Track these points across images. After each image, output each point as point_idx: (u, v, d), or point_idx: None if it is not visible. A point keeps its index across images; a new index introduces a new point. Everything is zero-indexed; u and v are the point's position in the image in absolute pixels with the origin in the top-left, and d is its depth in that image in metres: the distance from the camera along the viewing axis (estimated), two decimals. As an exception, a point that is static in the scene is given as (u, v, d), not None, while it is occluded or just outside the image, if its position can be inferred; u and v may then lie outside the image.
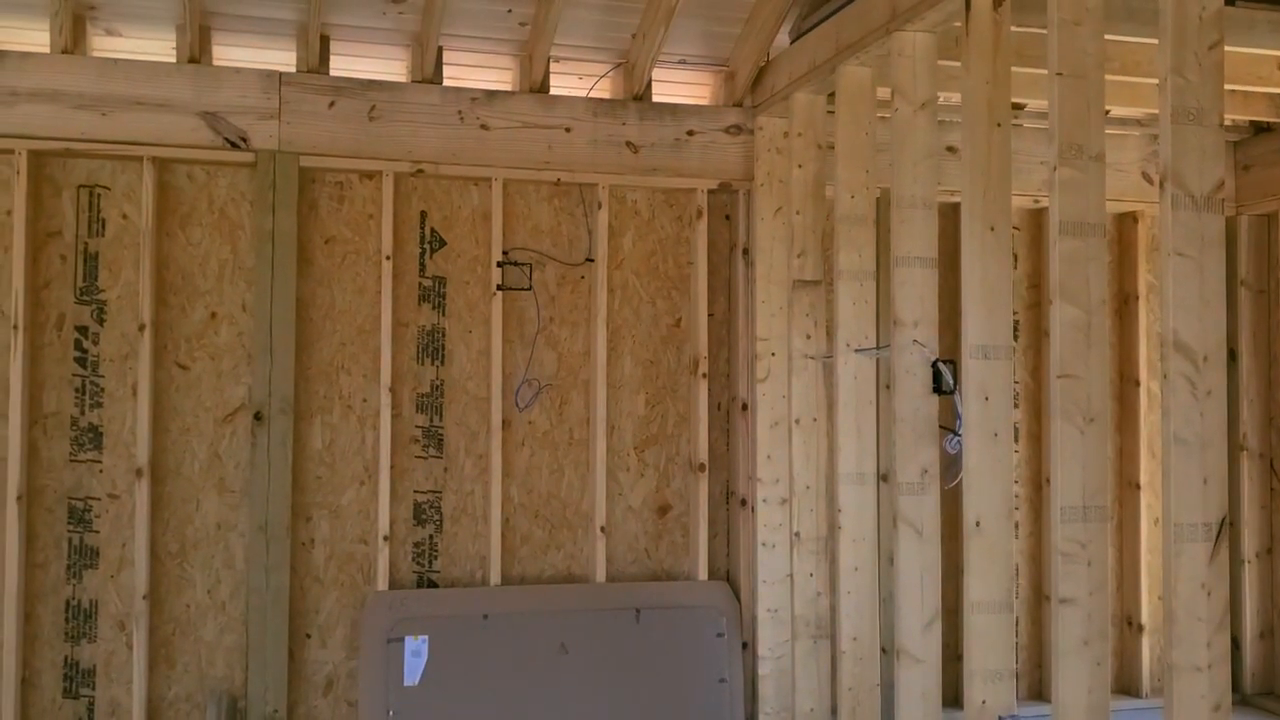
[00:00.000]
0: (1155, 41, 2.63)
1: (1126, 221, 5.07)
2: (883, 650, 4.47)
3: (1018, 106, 4.73)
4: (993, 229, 3.10)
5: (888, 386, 4.52)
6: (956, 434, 3.48)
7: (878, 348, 3.81)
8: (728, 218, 4.68)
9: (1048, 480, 4.78)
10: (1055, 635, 2.71)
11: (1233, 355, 5.07)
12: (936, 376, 3.45)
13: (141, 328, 4.03)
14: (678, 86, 4.67)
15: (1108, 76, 4.03)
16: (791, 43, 4.29)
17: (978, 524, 3.06)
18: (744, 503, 4.54)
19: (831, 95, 4.23)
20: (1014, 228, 4.99)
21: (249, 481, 4.15)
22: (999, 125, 3.11)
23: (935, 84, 3.47)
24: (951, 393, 3.43)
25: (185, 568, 4.14)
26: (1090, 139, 2.74)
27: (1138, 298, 5.01)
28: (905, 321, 3.44)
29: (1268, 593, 5.04)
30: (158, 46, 4.17)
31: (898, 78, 3.45)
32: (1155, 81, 4.21)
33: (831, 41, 3.87)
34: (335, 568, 4.28)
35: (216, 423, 4.18)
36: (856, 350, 3.82)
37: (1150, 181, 5.00)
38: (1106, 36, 3.83)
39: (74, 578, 4.04)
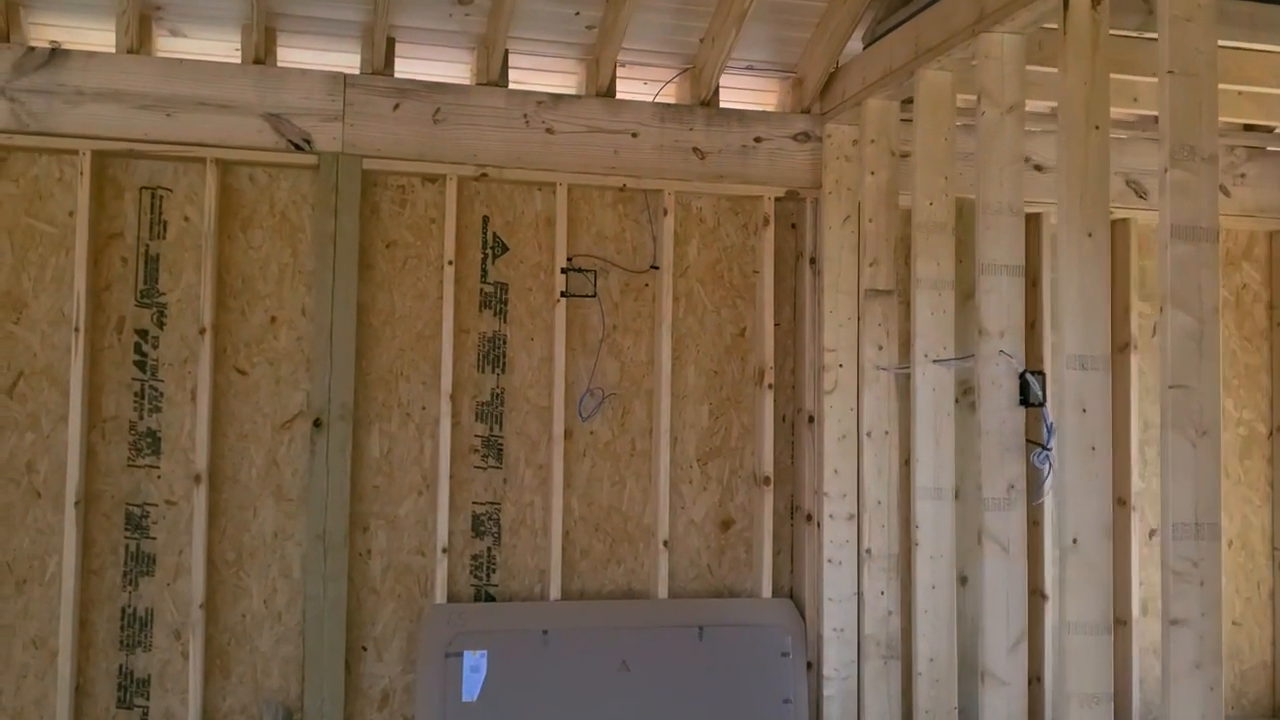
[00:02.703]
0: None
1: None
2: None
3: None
4: (1090, 235, 2.98)
5: (956, 400, 4.43)
6: (1045, 448, 3.37)
7: (957, 358, 3.69)
8: (793, 226, 4.58)
9: (1119, 498, 4.67)
10: (1166, 658, 2.59)
11: (1310, 373, 4.93)
12: (1024, 388, 3.34)
13: (202, 331, 3.96)
14: (742, 93, 4.58)
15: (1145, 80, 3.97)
16: (865, 48, 4.19)
17: (1075, 541, 2.94)
18: (809, 518, 4.42)
19: (906, 101, 4.16)
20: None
21: (306, 489, 4.07)
22: (1097, 128, 2.99)
23: (1023, 87, 3.37)
24: (1041, 405, 3.32)
25: (241, 576, 4.06)
26: (1202, 140, 2.63)
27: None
28: (991, 331, 3.33)
29: (1346, 618, 4.88)
30: (221, 48, 4.12)
31: (984, 81, 3.35)
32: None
33: (910, 45, 3.77)
34: (392, 579, 4.19)
35: (274, 429, 4.10)
36: (935, 361, 3.71)
37: (1227, 194, 4.87)
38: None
39: (130, 585, 3.97)
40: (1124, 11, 3.33)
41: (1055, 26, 3.41)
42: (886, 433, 4.11)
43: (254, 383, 4.09)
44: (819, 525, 4.36)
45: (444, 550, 4.14)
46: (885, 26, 4.02)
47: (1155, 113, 4.26)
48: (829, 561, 4.31)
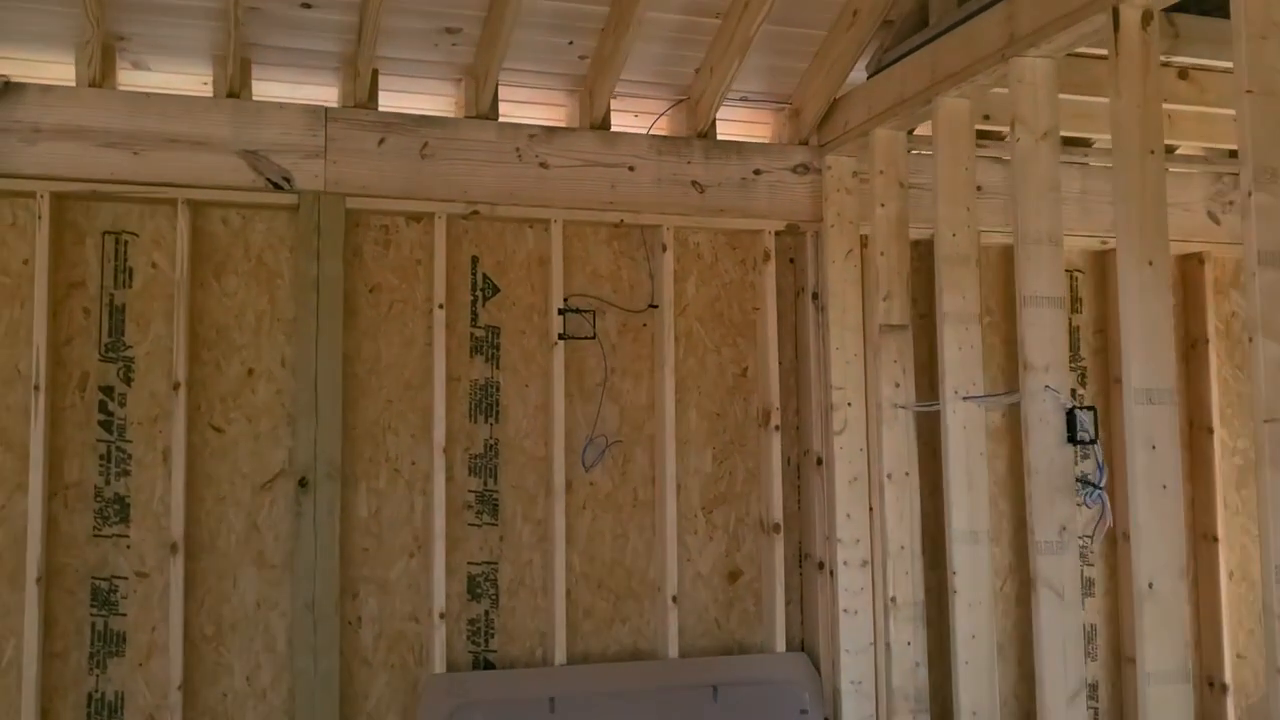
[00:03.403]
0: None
1: (1192, 263, 4.89)
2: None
3: (1082, 142, 4.56)
4: (1151, 263, 2.85)
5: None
6: (1098, 487, 3.23)
7: (996, 395, 3.54)
8: (792, 261, 4.41)
9: (1124, 535, 4.56)
10: (1274, 708, 2.43)
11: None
12: (1070, 424, 3.19)
13: (176, 386, 3.64)
14: (734, 125, 4.41)
15: (1168, 107, 3.91)
16: (869, 77, 4.06)
17: (1150, 586, 2.79)
18: (821, 566, 4.22)
19: (911, 132, 4.04)
20: (1077, 270, 4.80)
21: (291, 555, 3.76)
22: (1152, 153, 2.88)
23: (1056, 113, 3.25)
24: (1092, 442, 3.17)
25: (222, 652, 3.72)
26: (1283, 162, 2.52)
27: (1207, 341, 4.82)
28: (1036, 365, 3.19)
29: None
30: (188, 81, 3.83)
31: (1018, 106, 3.22)
32: (1227, 113, 4.09)
33: (927, 72, 3.64)
34: (385, 648, 3.88)
35: (254, 490, 3.78)
36: (965, 398, 3.56)
37: (1217, 221, 4.83)
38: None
39: (98, 667, 3.60)
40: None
41: (1086, 51, 3.34)
42: (907, 474, 3.94)
43: (231, 441, 3.78)
44: (832, 573, 4.17)
45: (441, 615, 3.84)
46: (894, 55, 3.90)
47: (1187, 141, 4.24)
48: (845, 611, 4.12)
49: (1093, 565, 4.67)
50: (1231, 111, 3.90)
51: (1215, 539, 4.73)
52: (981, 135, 4.42)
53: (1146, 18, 2.89)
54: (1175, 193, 4.72)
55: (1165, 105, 3.78)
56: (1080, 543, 3.21)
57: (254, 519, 3.78)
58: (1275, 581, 2.44)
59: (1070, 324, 4.75)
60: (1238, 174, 4.76)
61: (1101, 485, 3.19)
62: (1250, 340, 2.50)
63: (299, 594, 3.69)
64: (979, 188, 4.31)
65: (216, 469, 3.75)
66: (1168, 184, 4.67)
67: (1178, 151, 4.71)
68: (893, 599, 3.89)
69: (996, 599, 3.79)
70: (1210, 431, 4.78)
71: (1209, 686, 4.76)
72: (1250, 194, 2.50)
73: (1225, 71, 3.80)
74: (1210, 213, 4.82)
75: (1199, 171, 4.84)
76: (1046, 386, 3.18)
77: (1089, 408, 3.18)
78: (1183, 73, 3.85)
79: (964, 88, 3.52)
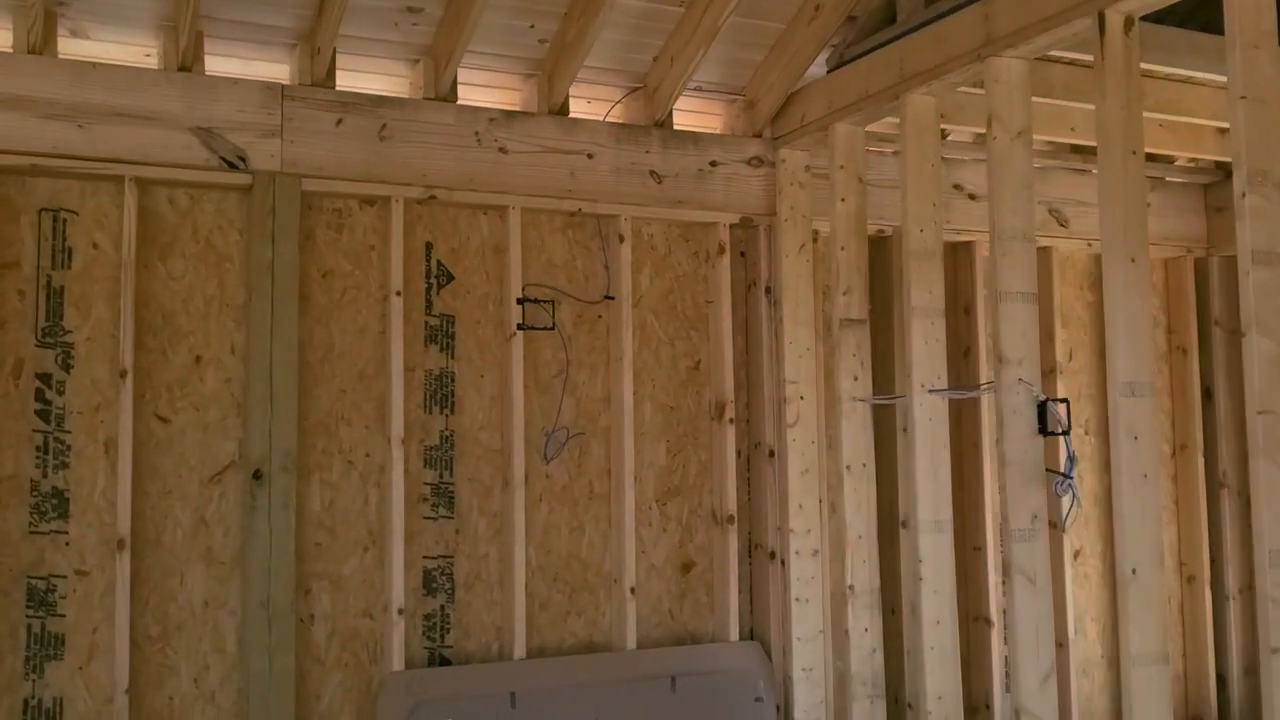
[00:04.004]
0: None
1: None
2: (908, 705, 4.28)
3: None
4: (1133, 261, 2.96)
5: (904, 430, 4.37)
6: (1067, 477, 3.33)
7: (963, 388, 3.62)
8: (743, 254, 4.43)
9: (1051, 523, 4.72)
10: (1268, 688, 2.55)
11: (1209, 394, 5.15)
12: (1041, 416, 3.28)
13: (123, 374, 3.44)
14: (685, 115, 4.39)
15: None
16: (829, 72, 4.10)
17: (1134, 572, 2.89)
18: (773, 555, 4.25)
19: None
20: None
21: (241, 551, 3.60)
22: (1134, 154, 2.98)
23: (1030, 112, 3.34)
24: (1063, 434, 3.27)
25: (168, 654, 3.54)
26: (1274, 165, 2.64)
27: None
28: (1010, 359, 3.27)
29: (1250, 629, 5.10)
30: (129, 52, 3.63)
31: (994, 105, 3.30)
32: (1166, 118, 4.27)
33: (894, 69, 3.69)
34: (338, 646, 3.75)
35: (202, 484, 3.61)
36: (931, 391, 3.63)
37: (1135, 222, 5.04)
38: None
39: (34, 672, 3.39)
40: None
41: (1058, 55, 3.44)
42: (864, 465, 4.00)
43: (178, 431, 3.59)
44: (783, 563, 4.20)
45: (400, 611, 3.74)
46: (857, 50, 3.94)
47: (1085, 141, 4.40)
48: (796, 600, 4.16)
49: (1020, 553, 4.82)
50: (1173, 117, 4.13)
51: None
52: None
53: (1129, 23, 2.98)
54: (1094, 194, 4.92)
55: (1079, 104, 3.95)
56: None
57: (202, 513, 3.60)
58: (1269, 566, 2.56)
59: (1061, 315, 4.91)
60: (1160, 177, 5.01)
61: (1071, 475, 3.29)
62: (1244, 336, 2.61)
63: (252, 591, 3.54)
64: (921, 184, 4.41)
65: (162, 461, 3.57)
66: (1094, 186, 4.87)
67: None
68: (851, 586, 3.95)
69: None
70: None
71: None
72: (1244, 195, 2.61)
73: (1170, 79, 3.97)
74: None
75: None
76: (1020, 380, 3.27)
77: (1062, 400, 3.28)
78: (1126, 78, 3.98)
79: (933, 85, 3.59)
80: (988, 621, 4.61)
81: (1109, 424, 2.98)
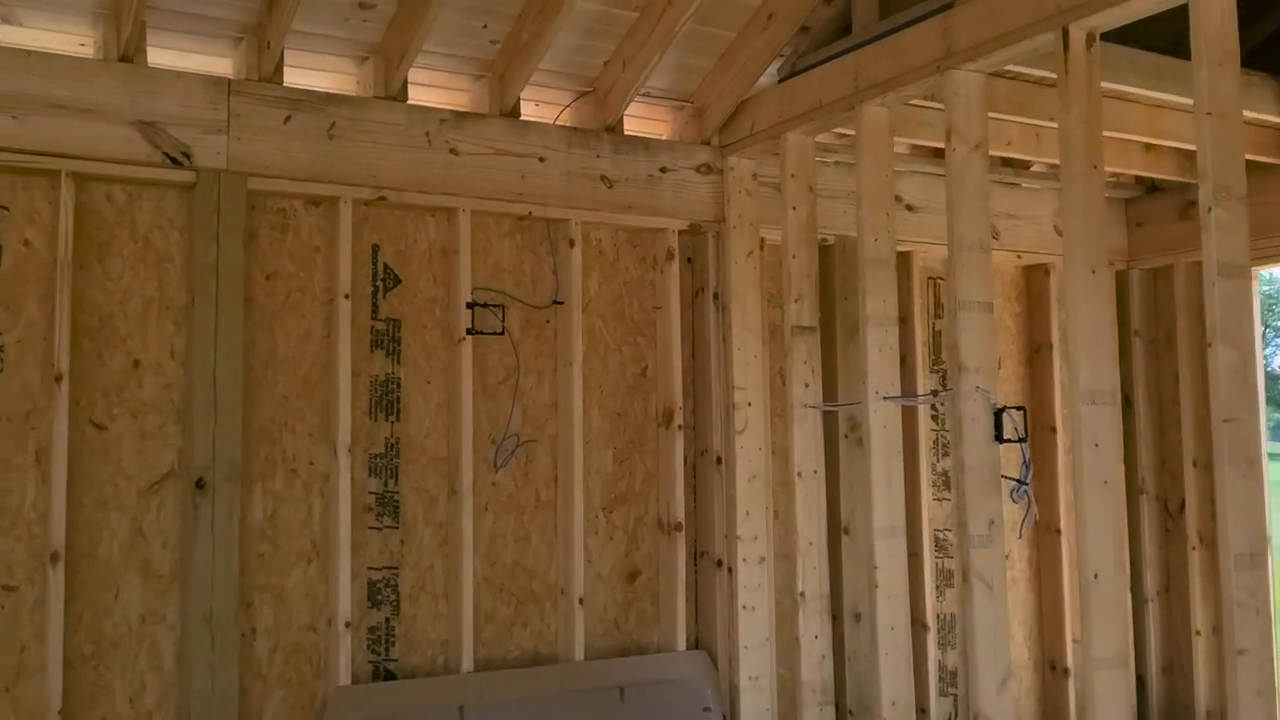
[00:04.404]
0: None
1: (1038, 273, 5.21)
2: (849, 712, 4.32)
3: (1019, 163, 4.80)
4: (1094, 272, 3.02)
5: (845, 436, 4.42)
6: (1024, 483, 3.39)
7: (921, 395, 3.66)
8: (689, 260, 4.42)
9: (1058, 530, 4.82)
10: (1233, 689, 2.62)
11: (1129, 402, 5.31)
12: (998, 424, 3.34)
13: (58, 379, 3.27)
14: (631, 121, 4.37)
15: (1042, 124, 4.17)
16: (780, 81, 4.12)
17: (1096, 576, 2.95)
18: (720, 563, 4.25)
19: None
20: (939, 278, 5.03)
21: (180, 563, 3.46)
22: (1095, 167, 3.05)
23: (986, 125, 3.39)
24: (1019, 441, 3.33)
25: (102, 672, 3.37)
26: (1236, 181, 2.72)
27: (1050, 347, 5.15)
28: (969, 367, 3.32)
29: (1168, 630, 5.27)
30: (61, 41, 3.46)
31: (953, 118, 3.35)
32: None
33: (849, 80, 3.72)
34: (280, 662, 3.63)
35: (140, 493, 3.46)
36: (886, 398, 3.66)
37: (1061, 235, 5.16)
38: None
39: (-41, 695, 3.20)
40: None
41: (1016, 70, 3.50)
42: (815, 471, 4.02)
43: (114, 439, 3.43)
44: (730, 570, 4.20)
45: (347, 624, 3.63)
46: (810, 60, 3.97)
47: (1021, 156, 4.51)
48: (744, 608, 4.16)
49: (952, 558, 4.90)
50: (1109, 132, 4.23)
51: (1058, 531, 5.05)
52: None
53: (1090, 39, 3.05)
54: (1028, 207, 5.05)
55: (1039, 123, 4.04)
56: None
57: (139, 524, 3.45)
58: (1235, 570, 2.63)
59: (932, 329, 4.97)
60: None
61: (1027, 481, 3.35)
62: (1209, 346, 2.69)
63: (193, 605, 3.40)
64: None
65: (98, 470, 3.40)
66: (1023, 200, 4.98)
67: (1030, 169, 5.00)
68: (802, 594, 3.97)
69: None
70: (1053, 431, 5.11)
71: (1051, 669, 5.09)
72: (1210, 210, 2.69)
73: (1104, 94, 4.06)
74: (1056, 227, 5.15)
75: (1046, 188, 5.16)
76: (978, 387, 3.32)
77: (1019, 408, 3.34)
78: (1066, 94, 4.08)
79: (888, 97, 3.62)
80: (924, 626, 4.67)
81: (1071, 431, 3.03)
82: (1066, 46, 3.03)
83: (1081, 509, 2.98)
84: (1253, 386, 2.71)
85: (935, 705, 4.70)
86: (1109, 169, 4.91)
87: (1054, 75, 3.70)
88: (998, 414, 3.33)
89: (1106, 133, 4.18)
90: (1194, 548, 5.08)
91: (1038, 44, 3.15)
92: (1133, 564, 5.29)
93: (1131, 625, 5.28)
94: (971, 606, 3.26)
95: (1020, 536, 3.52)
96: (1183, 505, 5.15)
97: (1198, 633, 5.05)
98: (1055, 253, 5.17)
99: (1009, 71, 3.83)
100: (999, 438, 3.34)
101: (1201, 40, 2.73)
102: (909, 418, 4.66)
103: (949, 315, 3.37)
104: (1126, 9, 2.93)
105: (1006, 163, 4.92)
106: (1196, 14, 2.74)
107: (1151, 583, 5.26)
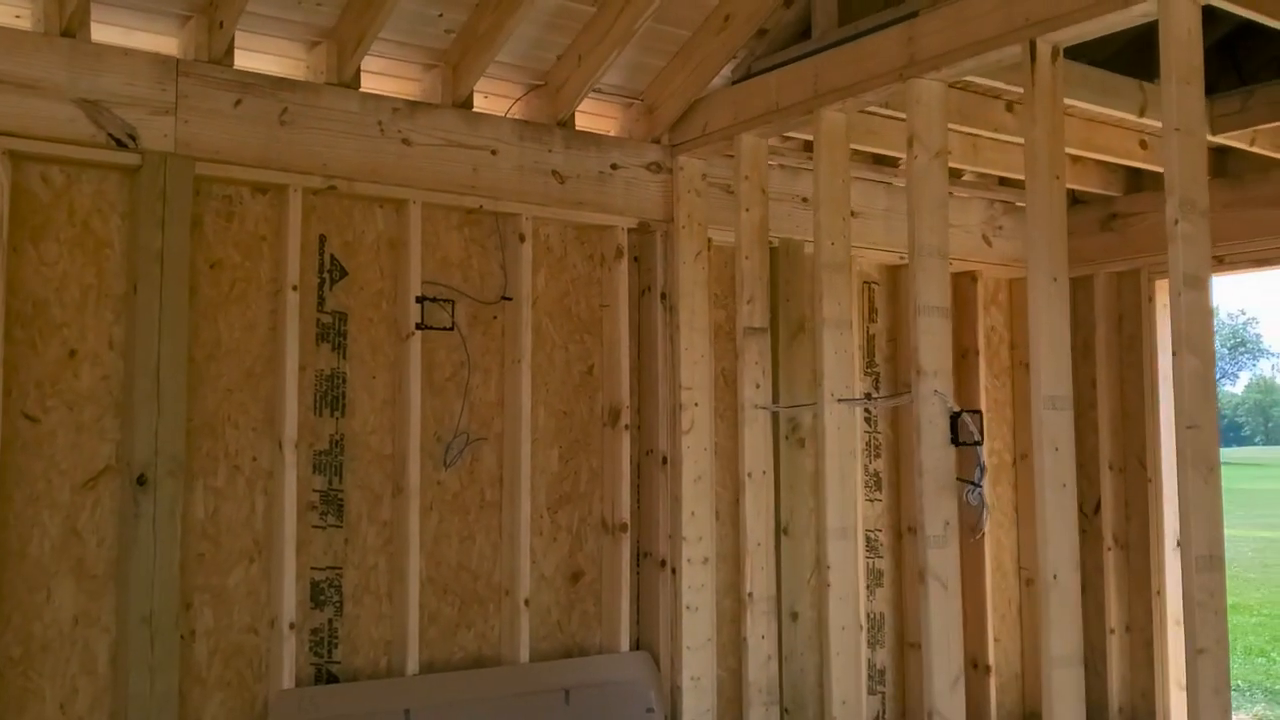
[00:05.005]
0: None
1: (965, 280, 5.32)
2: (785, 710, 4.36)
3: (890, 161, 4.86)
4: (1055, 280, 3.09)
5: (786, 438, 4.46)
6: (977, 485, 3.46)
7: (878, 397, 3.70)
8: (636, 259, 4.39)
9: (910, 528, 4.92)
10: (1193, 685, 2.71)
11: (1048, 407, 5.45)
12: (954, 427, 3.40)
13: (-9, 368, 3.10)
14: (581, 117, 4.33)
15: (983, 134, 4.27)
16: (734, 82, 4.12)
17: (1055, 577, 3.02)
18: (663, 564, 4.24)
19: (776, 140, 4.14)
20: (873, 282, 5.10)
21: (117, 563, 3.31)
22: (1057, 178, 3.12)
23: (946, 133, 3.45)
24: (975, 444, 3.39)
25: (31, 677, 3.20)
26: (1199, 195, 2.81)
27: (977, 352, 5.27)
28: (927, 370, 3.37)
29: (1084, 628, 5.41)
30: (-2, 12, 3.28)
31: (915, 126, 3.40)
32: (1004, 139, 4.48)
33: (808, 84, 3.75)
34: (220, 664, 3.50)
35: (75, 489, 3.29)
36: (840, 400, 3.70)
37: (989, 243, 5.30)
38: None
39: (-122, 703, 3.01)
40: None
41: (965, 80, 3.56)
42: (765, 472, 4.03)
43: (47, 432, 3.27)
44: (674, 571, 4.20)
45: (291, 625, 3.52)
46: (767, 63, 3.98)
47: (959, 165, 4.60)
48: (687, 608, 4.16)
49: (882, 557, 4.99)
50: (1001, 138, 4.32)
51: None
52: (810, 148, 4.61)
53: (1056, 53, 3.13)
54: (956, 215, 5.15)
55: (980, 133, 4.13)
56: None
57: (73, 522, 3.29)
58: (1196, 571, 2.72)
59: (867, 332, 5.05)
60: (1009, 201, 5.28)
61: (981, 483, 3.42)
62: (1175, 355, 2.77)
63: (132, 606, 3.25)
64: (804, 199, 4.51)
65: (30, 464, 3.23)
66: (954, 208, 5.07)
67: (963, 178, 5.11)
68: (750, 594, 3.98)
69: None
70: (979, 434, 5.21)
71: (973, 668, 5.20)
72: (1176, 223, 2.77)
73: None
74: (984, 235, 5.28)
75: (975, 196, 5.28)
76: (935, 391, 3.37)
77: (975, 411, 3.40)
78: (1010, 105, 4.19)
79: (847, 103, 3.66)
80: (858, 626, 4.72)
81: (1032, 435, 3.10)
82: (1034, 59, 3.10)
83: (1042, 511, 3.04)
84: (1213, 394, 2.81)
85: (865, 704, 4.76)
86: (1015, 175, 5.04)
87: (1000, 86, 3.86)
88: (954, 418, 3.38)
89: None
90: (1109, 548, 5.25)
91: (1003, 55, 3.22)
92: (1050, 564, 5.44)
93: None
94: (927, 605, 3.31)
95: (976, 538, 3.61)
96: (1098, 507, 5.32)
97: (1112, 631, 5.23)
98: (983, 260, 5.31)
99: (955, 82, 3.90)
100: (955, 441, 3.39)
101: (1170, 57, 2.81)
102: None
103: (910, 319, 3.41)
104: (1094, 25, 3.01)
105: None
106: (1166, 32, 2.82)
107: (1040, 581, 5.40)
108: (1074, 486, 3.10)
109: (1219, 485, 2.79)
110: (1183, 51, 2.82)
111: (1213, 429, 2.79)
